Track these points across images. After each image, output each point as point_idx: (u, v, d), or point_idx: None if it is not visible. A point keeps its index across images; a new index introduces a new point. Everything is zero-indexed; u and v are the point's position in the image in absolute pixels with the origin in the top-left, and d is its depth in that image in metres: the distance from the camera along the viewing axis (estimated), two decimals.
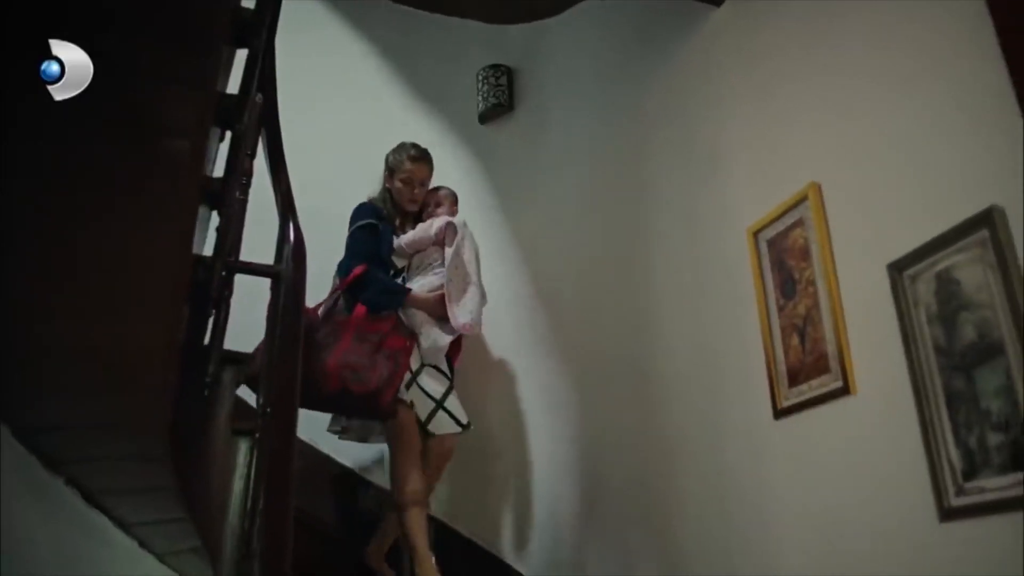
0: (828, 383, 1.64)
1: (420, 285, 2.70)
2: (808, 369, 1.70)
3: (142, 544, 2.13)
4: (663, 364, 2.29)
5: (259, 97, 2.11)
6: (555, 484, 2.72)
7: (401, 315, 2.64)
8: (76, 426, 1.62)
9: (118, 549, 2.07)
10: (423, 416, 2.55)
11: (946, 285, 1.41)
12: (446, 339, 2.64)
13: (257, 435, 1.73)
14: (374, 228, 2.73)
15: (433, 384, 2.61)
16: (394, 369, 2.50)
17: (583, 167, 2.85)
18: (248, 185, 2.01)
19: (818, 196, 1.73)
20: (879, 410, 1.54)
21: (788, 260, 1.79)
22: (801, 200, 1.77)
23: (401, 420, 2.54)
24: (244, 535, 1.71)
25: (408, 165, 2.81)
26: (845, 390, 1.60)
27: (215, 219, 1.89)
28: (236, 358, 1.98)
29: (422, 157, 2.84)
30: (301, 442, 2.41)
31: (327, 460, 3.00)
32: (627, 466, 2.40)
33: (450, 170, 3.11)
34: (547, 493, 2.75)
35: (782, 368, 1.77)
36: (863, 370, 1.59)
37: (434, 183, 2.92)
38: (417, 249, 2.77)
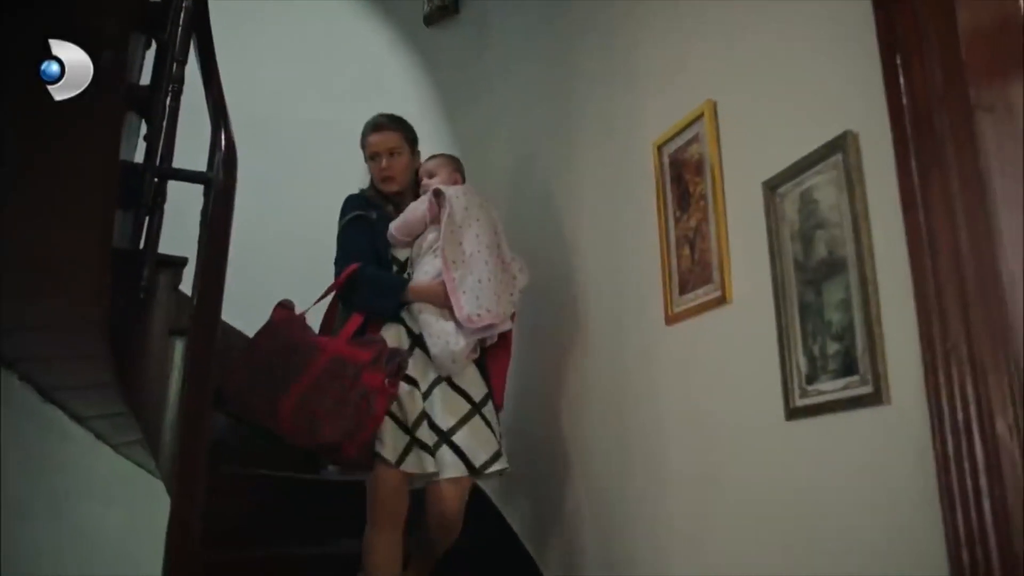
0: (710, 292, 1.77)
1: (424, 272, 2.18)
2: (695, 279, 1.82)
3: (98, 436, 2.28)
4: (580, 268, 2.40)
5: (188, 2, 2.13)
6: None
7: (405, 317, 2.16)
8: (20, 327, 1.74)
9: (75, 441, 2.22)
10: (399, 450, 2.02)
11: (807, 204, 1.52)
12: (461, 342, 2.07)
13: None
14: (363, 220, 2.28)
15: (443, 410, 2.07)
16: (365, 414, 1.94)
17: (522, 72, 2.89)
18: (180, 92, 2.05)
19: (713, 113, 1.81)
20: (748, 319, 1.67)
21: (685, 174, 1.88)
22: (699, 117, 1.84)
23: (377, 475, 2.04)
24: None
25: (368, 138, 2.35)
26: (722, 299, 1.73)
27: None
28: (171, 262, 2.07)
29: (382, 124, 2.35)
30: None
31: None
32: (545, 366, 2.52)
33: (396, 74, 3.13)
34: None
35: (675, 277, 1.89)
36: (738, 281, 1.71)
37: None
38: (411, 233, 2.25)
